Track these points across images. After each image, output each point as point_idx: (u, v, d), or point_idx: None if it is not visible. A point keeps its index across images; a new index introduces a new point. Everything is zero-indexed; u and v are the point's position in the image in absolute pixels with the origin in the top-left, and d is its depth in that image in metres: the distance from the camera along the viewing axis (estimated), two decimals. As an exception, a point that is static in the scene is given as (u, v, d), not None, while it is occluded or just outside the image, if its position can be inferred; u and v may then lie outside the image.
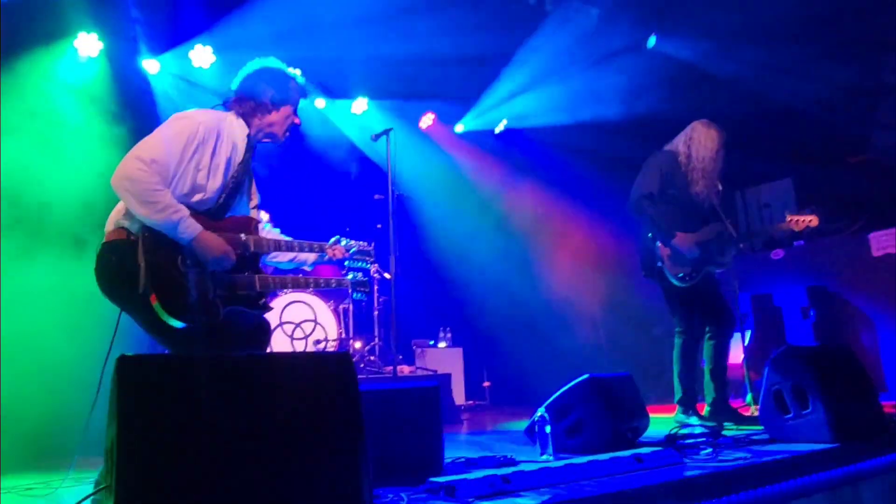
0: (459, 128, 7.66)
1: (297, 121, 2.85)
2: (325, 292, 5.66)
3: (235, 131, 2.67)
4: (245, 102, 2.73)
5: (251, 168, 2.82)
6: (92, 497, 1.86)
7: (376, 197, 5.93)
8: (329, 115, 6.91)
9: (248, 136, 2.71)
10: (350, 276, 3.03)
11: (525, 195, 7.62)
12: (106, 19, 5.37)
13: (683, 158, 4.15)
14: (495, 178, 7.63)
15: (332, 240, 3.01)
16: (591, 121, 6.94)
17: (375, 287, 6.00)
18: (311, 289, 2.91)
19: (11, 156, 4.50)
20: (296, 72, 2.87)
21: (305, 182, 6.48)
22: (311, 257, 2.99)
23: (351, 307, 6.02)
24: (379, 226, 6.03)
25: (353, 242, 3.05)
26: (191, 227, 2.38)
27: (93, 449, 3.07)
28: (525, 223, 7.58)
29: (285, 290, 5.53)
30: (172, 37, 5.67)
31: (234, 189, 2.64)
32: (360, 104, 6.93)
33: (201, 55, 5.82)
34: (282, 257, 2.95)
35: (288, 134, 2.84)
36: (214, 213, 2.57)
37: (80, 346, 3.84)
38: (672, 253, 4.05)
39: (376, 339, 5.93)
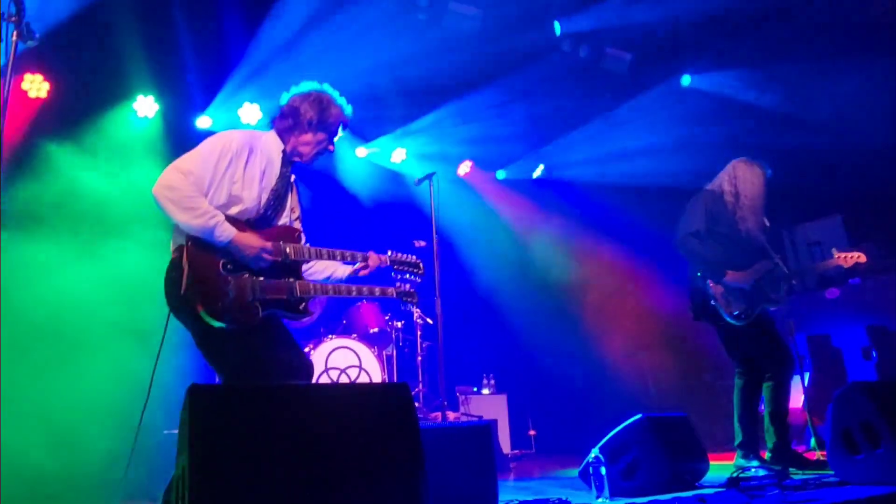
0: (500, 175, 7.77)
1: (331, 148, 2.91)
2: (370, 338, 5.67)
3: (271, 147, 2.80)
4: (285, 119, 2.85)
5: (292, 183, 2.91)
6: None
7: (417, 244, 5.98)
8: (371, 159, 7.11)
9: (284, 151, 2.83)
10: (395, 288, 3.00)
11: (566, 241, 7.61)
12: (162, 82, 5.71)
13: (730, 197, 4.12)
14: (534, 223, 7.66)
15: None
16: (631, 166, 6.97)
17: (419, 332, 6.00)
18: (353, 295, 2.86)
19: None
20: (342, 101, 2.93)
21: (346, 228, 6.61)
22: (347, 270, 2.99)
23: (395, 353, 6.02)
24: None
25: (400, 254, 3.05)
26: (227, 231, 2.53)
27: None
28: (567, 269, 7.53)
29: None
30: (223, 95, 5.96)
31: (274, 201, 2.75)
32: (399, 154, 7.11)
33: (249, 112, 6.10)
34: (320, 270, 2.99)
35: (317, 158, 2.89)
36: (256, 224, 2.69)
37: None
38: (725, 290, 3.97)
39: (420, 386, 5.90)
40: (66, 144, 5.13)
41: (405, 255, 3.08)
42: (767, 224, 4.25)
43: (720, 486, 3.03)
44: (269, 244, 2.61)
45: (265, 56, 5.67)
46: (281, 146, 2.83)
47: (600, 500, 2.77)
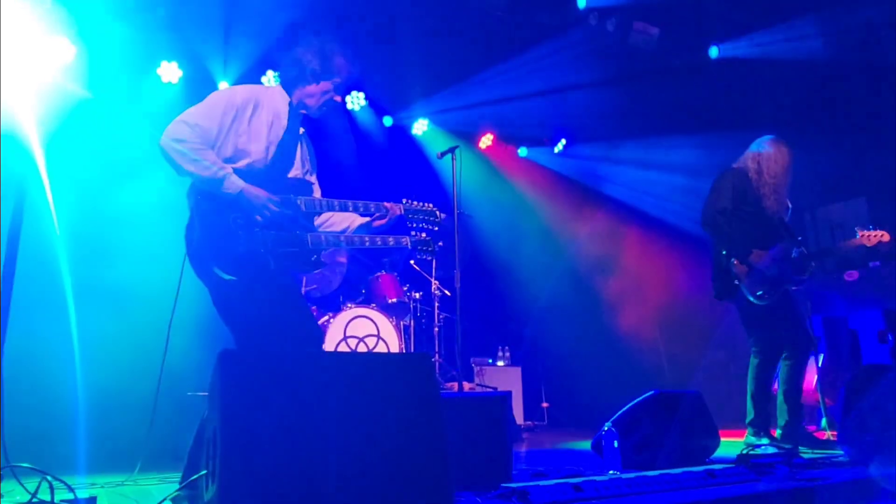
0: (522, 151, 7.75)
1: (337, 98, 2.87)
2: (388, 308, 5.76)
3: (277, 100, 2.79)
4: (289, 71, 2.83)
5: (302, 137, 2.89)
6: (186, 486, 1.97)
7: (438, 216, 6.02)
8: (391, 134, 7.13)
9: (290, 104, 2.82)
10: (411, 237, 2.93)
11: (586, 215, 7.61)
12: (186, 49, 5.74)
13: (754, 174, 4.10)
14: (556, 197, 7.66)
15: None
16: (654, 137, 6.90)
17: (436, 304, 6.08)
18: (367, 245, 2.83)
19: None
20: (347, 52, 2.87)
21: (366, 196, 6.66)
22: (360, 221, 2.94)
23: (413, 324, 6.12)
24: (440, 244, 6.12)
25: (415, 203, 3.00)
26: (236, 183, 2.55)
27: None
28: (586, 244, 7.55)
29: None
30: (249, 65, 5.98)
31: (282, 154, 2.74)
32: (421, 125, 7.10)
33: (273, 81, 6.12)
34: (338, 222, 2.97)
35: (324, 109, 2.86)
36: (266, 177, 2.68)
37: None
38: (750, 270, 3.97)
39: (436, 356, 6.00)
40: (90, 109, 5.20)
41: (420, 204, 3.00)
42: (790, 205, 4.23)
43: (730, 462, 3.09)
44: (275, 198, 2.60)
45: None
46: (287, 99, 2.82)
47: (612, 471, 2.84)
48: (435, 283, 6.09)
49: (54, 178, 4.15)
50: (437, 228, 3.03)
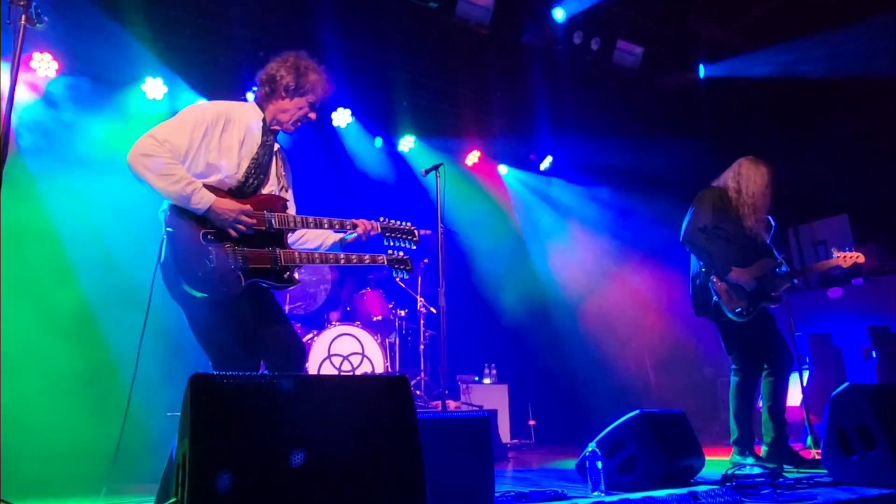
0: (503, 170, 7.76)
1: (311, 116, 2.84)
2: (373, 326, 5.72)
3: (249, 116, 2.75)
4: (263, 87, 2.81)
5: (277, 153, 2.85)
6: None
7: (422, 233, 6.00)
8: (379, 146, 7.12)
9: (263, 120, 2.78)
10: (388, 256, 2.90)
11: (571, 233, 7.63)
12: (170, 65, 5.71)
13: (734, 193, 4.13)
14: (541, 215, 7.67)
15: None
16: (639, 157, 6.94)
17: (422, 321, 6.04)
18: (342, 263, 2.77)
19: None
20: (321, 70, 2.84)
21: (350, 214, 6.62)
22: (335, 238, 2.92)
23: (398, 341, 6.07)
24: (426, 261, 6.10)
25: (393, 221, 2.95)
26: (205, 198, 2.50)
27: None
28: (572, 262, 7.55)
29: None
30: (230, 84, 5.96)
31: (256, 170, 2.70)
32: (407, 142, 7.10)
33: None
34: (310, 239, 2.94)
35: (298, 125, 2.83)
36: (239, 194, 2.65)
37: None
38: (729, 287, 3.99)
39: (422, 374, 5.95)
40: (73, 124, 5.16)
41: (398, 222, 2.97)
42: (773, 223, 4.26)
43: (714, 482, 3.06)
44: (248, 208, 2.57)
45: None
46: (260, 115, 2.79)
47: (595, 493, 2.81)
48: (421, 301, 6.06)
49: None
50: (415, 247, 2.99)
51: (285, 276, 2.65)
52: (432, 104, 6.70)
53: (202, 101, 2.73)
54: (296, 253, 2.70)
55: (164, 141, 2.50)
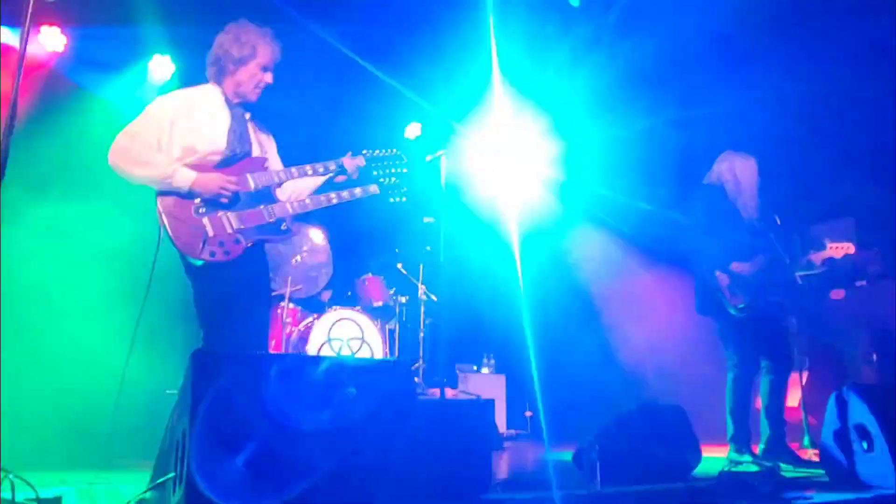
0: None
1: (267, 79, 2.85)
2: (374, 312, 5.70)
3: (209, 95, 2.83)
4: (213, 65, 2.85)
5: (249, 121, 2.89)
6: (153, 487, 1.91)
7: (425, 220, 5.99)
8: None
9: (225, 95, 2.83)
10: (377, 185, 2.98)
11: (575, 224, 7.59)
12: (179, 42, 5.65)
13: (731, 186, 4.13)
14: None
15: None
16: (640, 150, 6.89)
17: (422, 308, 6.03)
18: (334, 202, 2.86)
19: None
20: (265, 31, 2.86)
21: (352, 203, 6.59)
22: (321, 180, 2.99)
23: (398, 328, 6.06)
24: (428, 248, 6.08)
25: (377, 151, 3.00)
26: (186, 176, 2.62)
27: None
28: (574, 253, 7.53)
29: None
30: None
31: (234, 143, 2.77)
32: (414, 128, 7.05)
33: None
34: (299, 189, 2.99)
35: (258, 91, 2.85)
36: (225, 166, 2.74)
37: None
38: (731, 282, 3.97)
39: (420, 361, 5.95)
40: (81, 101, 5.13)
41: (382, 150, 3.02)
42: (778, 221, 4.25)
43: (711, 479, 3.06)
44: (229, 178, 2.66)
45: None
46: (220, 91, 2.84)
47: (592, 486, 2.81)
48: (422, 288, 6.05)
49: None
50: (405, 171, 3.02)
51: (282, 227, 2.77)
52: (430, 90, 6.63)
53: (162, 96, 2.80)
54: (286, 204, 2.82)
55: (135, 135, 2.65)
